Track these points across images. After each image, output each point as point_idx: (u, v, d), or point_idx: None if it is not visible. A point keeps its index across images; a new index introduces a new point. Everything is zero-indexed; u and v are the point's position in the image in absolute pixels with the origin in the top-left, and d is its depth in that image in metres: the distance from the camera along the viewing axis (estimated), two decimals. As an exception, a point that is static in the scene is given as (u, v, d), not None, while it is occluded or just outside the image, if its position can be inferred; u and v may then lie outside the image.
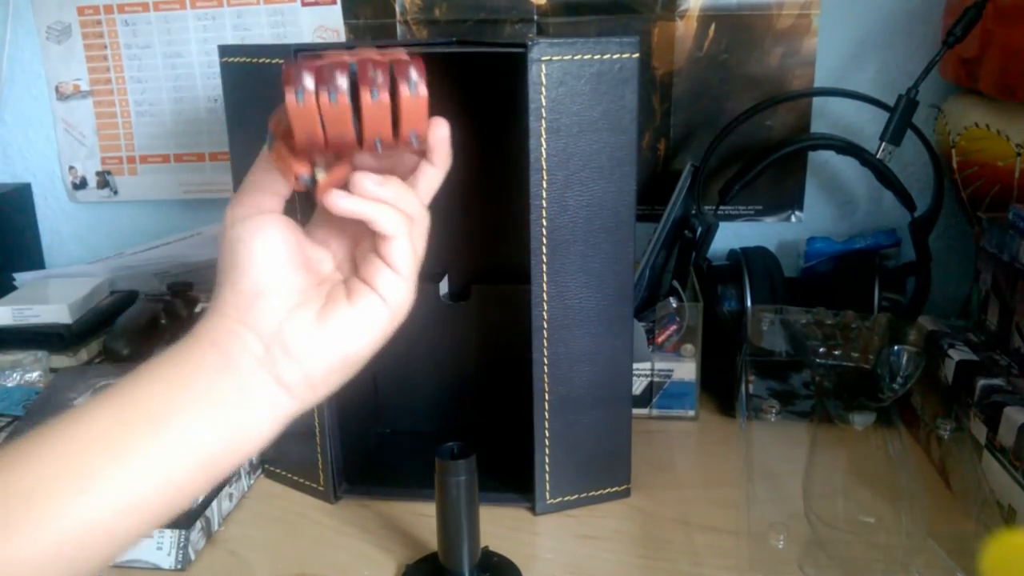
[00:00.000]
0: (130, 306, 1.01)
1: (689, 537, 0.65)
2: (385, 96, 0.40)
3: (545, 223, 0.62)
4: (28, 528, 0.35)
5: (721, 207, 0.98)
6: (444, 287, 0.81)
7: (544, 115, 0.60)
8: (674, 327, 0.83)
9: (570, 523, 0.68)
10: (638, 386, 0.82)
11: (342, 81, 0.39)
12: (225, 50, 0.67)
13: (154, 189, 1.15)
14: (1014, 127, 0.77)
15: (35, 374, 0.89)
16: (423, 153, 0.44)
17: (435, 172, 0.45)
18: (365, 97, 0.39)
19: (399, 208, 0.43)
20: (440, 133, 0.43)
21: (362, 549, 0.65)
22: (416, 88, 0.40)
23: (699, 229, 0.90)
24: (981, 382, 0.67)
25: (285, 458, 0.74)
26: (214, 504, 0.67)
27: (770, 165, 0.90)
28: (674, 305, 0.83)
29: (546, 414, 0.66)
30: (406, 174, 0.45)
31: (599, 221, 0.63)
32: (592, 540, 0.65)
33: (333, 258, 0.46)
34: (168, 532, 0.62)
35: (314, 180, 0.42)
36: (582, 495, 0.69)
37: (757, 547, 0.58)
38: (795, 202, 1.02)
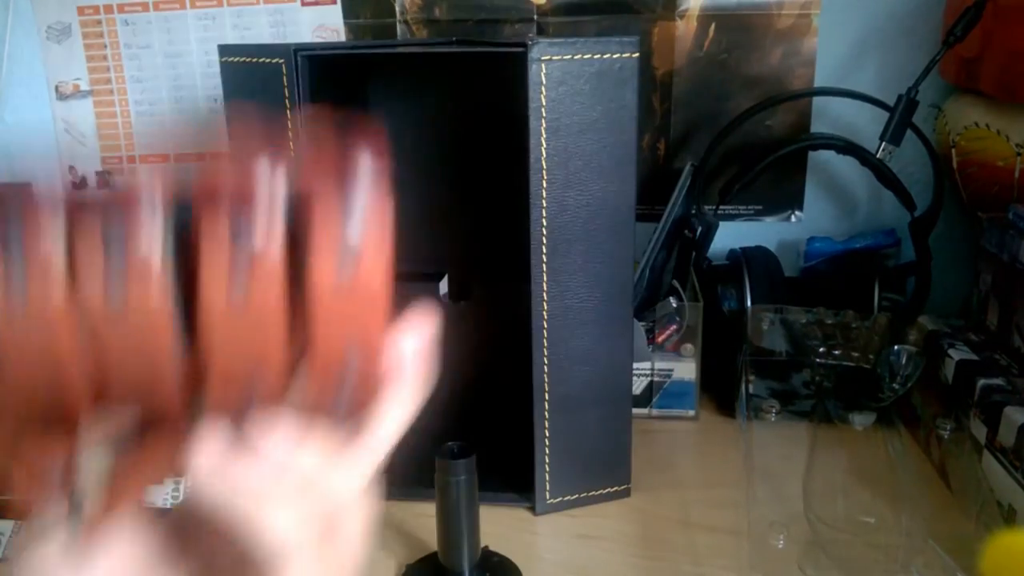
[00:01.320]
0: (130, 306, 1.01)
1: (689, 537, 0.65)
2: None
3: (545, 223, 0.62)
4: None
5: (721, 207, 0.98)
6: (443, 287, 0.81)
7: (544, 115, 0.60)
8: (674, 327, 0.83)
9: (570, 523, 0.68)
10: (638, 386, 0.82)
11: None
12: (225, 50, 0.67)
13: (154, 189, 1.15)
14: (1014, 127, 0.77)
15: (35, 374, 0.89)
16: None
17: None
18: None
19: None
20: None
21: (362, 549, 0.65)
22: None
23: (699, 229, 0.89)
24: (981, 382, 0.67)
25: (285, 458, 0.73)
26: (214, 504, 0.67)
27: (770, 165, 0.90)
28: (674, 305, 0.83)
29: (546, 414, 0.66)
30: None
31: (599, 221, 0.63)
32: (592, 540, 0.65)
33: None
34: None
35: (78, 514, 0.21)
36: (582, 495, 0.69)
37: (757, 547, 0.58)
38: (795, 202, 1.02)
